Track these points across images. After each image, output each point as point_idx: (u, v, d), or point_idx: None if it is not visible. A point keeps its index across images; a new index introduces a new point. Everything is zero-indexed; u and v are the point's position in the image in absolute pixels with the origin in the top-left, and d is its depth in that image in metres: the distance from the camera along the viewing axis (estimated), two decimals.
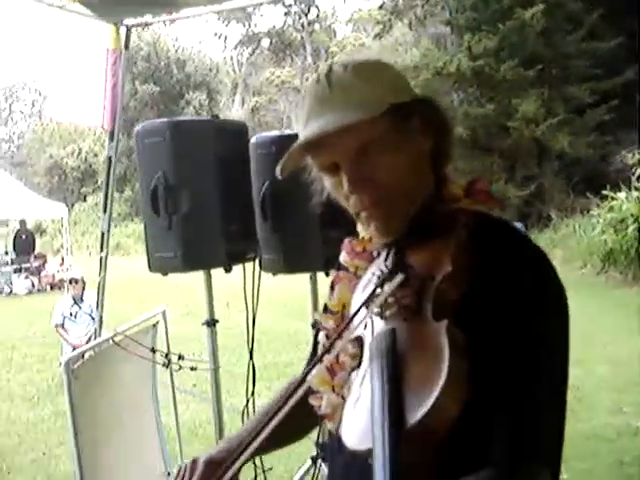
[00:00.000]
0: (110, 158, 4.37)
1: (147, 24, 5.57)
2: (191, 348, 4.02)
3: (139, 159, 3.07)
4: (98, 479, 3.35)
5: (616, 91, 17.48)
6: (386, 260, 1.28)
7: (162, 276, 3.18)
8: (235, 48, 45.37)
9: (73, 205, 33.50)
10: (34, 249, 20.70)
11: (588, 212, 14.63)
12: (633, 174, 13.86)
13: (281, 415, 1.21)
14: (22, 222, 20.92)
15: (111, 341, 3.46)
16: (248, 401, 3.10)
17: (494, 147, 18.44)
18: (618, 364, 7.66)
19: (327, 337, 1.40)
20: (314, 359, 1.33)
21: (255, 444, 1.23)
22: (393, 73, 1.31)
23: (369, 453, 0.94)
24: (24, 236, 20.68)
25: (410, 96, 1.28)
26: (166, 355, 3.63)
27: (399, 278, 1.18)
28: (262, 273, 3.16)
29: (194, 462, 1.37)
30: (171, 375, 4.00)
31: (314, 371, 1.38)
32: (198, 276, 3.31)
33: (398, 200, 1.25)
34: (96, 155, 35.15)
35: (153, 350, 3.66)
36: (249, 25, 43.94)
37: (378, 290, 1.20)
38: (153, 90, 36.52)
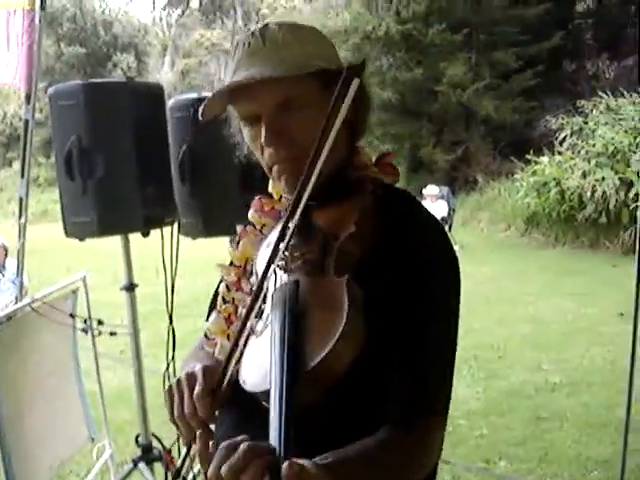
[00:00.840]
0: (27, 122, 4.26)
1: None
2: (118, 314, 3.98)
3: (53, 122, 3.00)
4: (22, 446, 3.32)
5: (542, 57, 17.78)
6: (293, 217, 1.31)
7: (85, 242, 3.15)
8: (164, 9, 44.31)
9: None
10: None
11: (513, 176, 14.91)
12: (556, 139, 14.17)
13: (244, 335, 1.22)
14: None
15: (29, 307, 3.42)
16: (168, 365, 3.11)
17: (422, 111, 18.59)
18: (540, 323, 7.89)
19: (227, 288, 1.44)
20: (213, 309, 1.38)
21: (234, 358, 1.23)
22: (326, 41, 1.37)
23: (267, 395, 0.98)
24: None
25: (338, 66, 1.30)
26: (85, 321, 3.60)
27: (305, 234, 1.25)
28: (183, 238, 3.16)
29: (190, 374, 1.29)
30: (93, 341, 3.97)
31: (211, 319, 1.41)
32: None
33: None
34: (21, 119, 34.01)
35: (72, 316, 3.62)
36: None
37: (283, 244, 1.24)
38: (79, 52, 35.55)
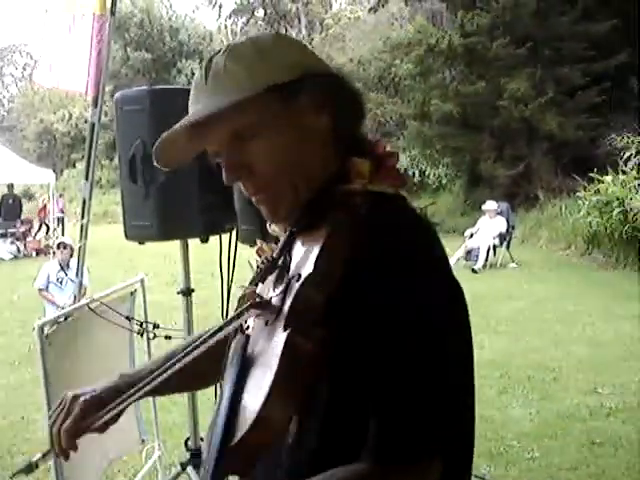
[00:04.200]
0: (93, 125, 4.33)
1: None
2: (174, 316, 4.03)
3: (118, 126, 3.06)
4: None
5: (608, 73, 17.44)
6: (280, 245, 1.21)
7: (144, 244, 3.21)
8: (229, 17, 44.96)
9: (62, 171, 33.34)
10: (21, 215, 20.56)
11: (575, 194, 14.66)
12: (621, 158, 13.88)
13: (178, 365, 1.20)
14: (9, 186, 20.77)
15: (87, 307, 3.47)
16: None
17: (484, 125, 18.41)
18: (597, 346, 7.71)
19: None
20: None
21: (143, 391, 1.26)
22: (276, 51, 1.20)
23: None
24: (11, 201, 20.56)
25: (297, 73, 1.17)
26: (141, 324, 3.64)
27: (273, 275, 1.15)
28: (241, 244, 3.18)
29: (75, 398, 1.38)
30: (148, 344, 4.01)
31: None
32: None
33: (285, 185, 1.18)
34: (87, 121, 34.73)
35: (128, 318, 3.67)
36: None
37: (259, 286, 1.19)
38: (145, 57, 36.24)
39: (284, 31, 42.02)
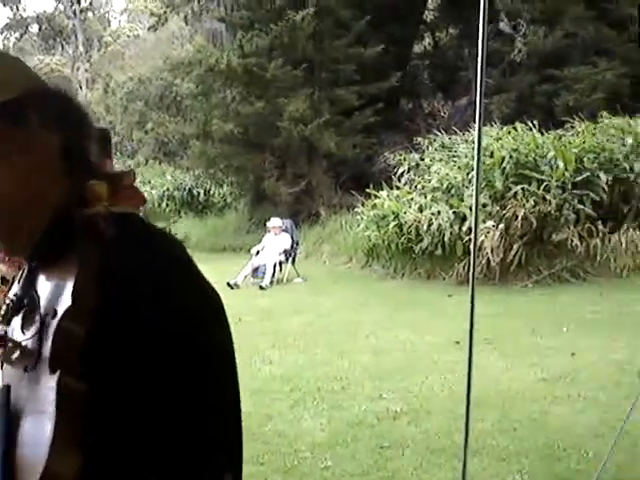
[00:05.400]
0: None
1: None
2: None
3: None
4: None
5: (381, 95, 18.39)
6: (20, 282, 1.12)
7: None
8: (1, 33, 42.70)
9: None
10: None
11: (354, 209, 15.27)
12: (395, 174, 14.70)
13: None
14: None
15: None
16: None
17: (266, 145, 18.70)
18: (380, 353, 8.03)
19: None
20: None
21: None
22: None
23: None
24: None
25: (18, 90, 1.09)
26: None
27: (20, 315, 1.06)
28: None
29: None
30: None
31: None
32: None
33: (18, 214, 1.08)
34: None
35: None
36: (17, 9, 41.56)
37: (3, 328, 1.09)
38: None
39: (60, 48, 40.57)
